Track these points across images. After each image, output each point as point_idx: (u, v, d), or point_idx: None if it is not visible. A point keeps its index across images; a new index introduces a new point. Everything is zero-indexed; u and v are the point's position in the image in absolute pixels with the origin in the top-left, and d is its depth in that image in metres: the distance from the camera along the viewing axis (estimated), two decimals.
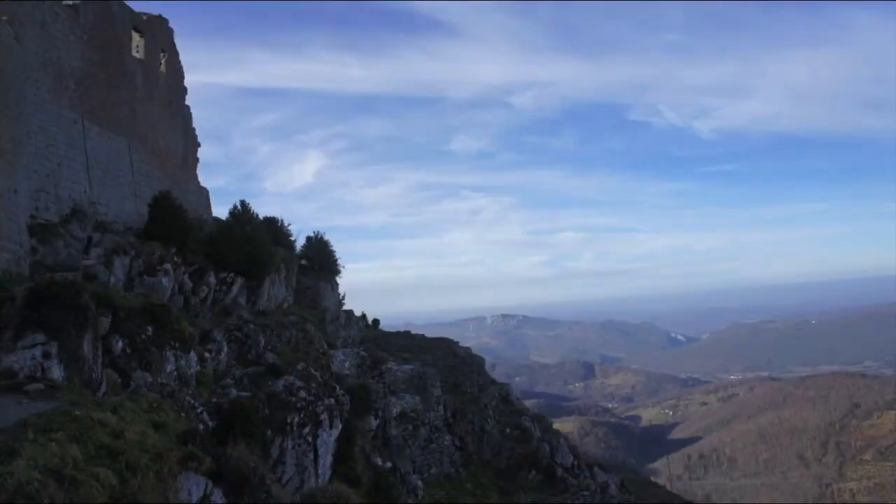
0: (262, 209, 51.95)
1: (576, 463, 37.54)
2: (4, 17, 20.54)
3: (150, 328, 18.08)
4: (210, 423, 13.80)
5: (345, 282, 49.46)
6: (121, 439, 8.26)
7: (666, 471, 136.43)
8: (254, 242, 32.53)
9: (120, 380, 15.91)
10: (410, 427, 32.65)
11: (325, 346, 31.15)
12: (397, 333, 49.09)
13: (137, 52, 32.78)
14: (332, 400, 18.61)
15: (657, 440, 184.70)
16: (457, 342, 45.50)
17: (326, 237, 46.99)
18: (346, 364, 32.27)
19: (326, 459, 17.44)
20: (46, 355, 12.65)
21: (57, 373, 12.59)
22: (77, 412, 8.89)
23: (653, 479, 70.45)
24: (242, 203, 39.55)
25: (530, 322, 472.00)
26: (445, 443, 34.19)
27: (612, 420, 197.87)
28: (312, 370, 20.03)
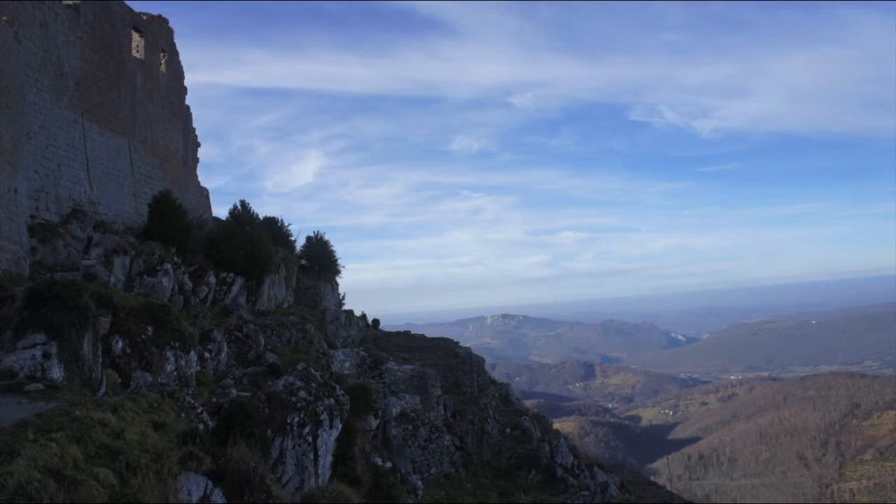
0: (262, 209, 52.08)
1: (576, 463, 37.54)
2: (4, 18, 20.54)
3: (150, 328, 18.08)
4: (210, 423, 13.79)
5: (345, 282, 49.49)
6: (121, 439, 8.26)
7: (666, 471, 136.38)
8: (254, 242, 32.53)
9: (120, 380, 15.91)
10: (410, 427, 32.65)
11: (325, 346, 31.15)
12: (397, 333, 49.09)
13: (137, 52, 32.77)
14: (332, 400, 18.60)
15: (657, 440, 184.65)
16: (457, 342, 45.49)
17: (326, 237, 47.01)
18: (346, 364, 32.26)
19: (326, 459, 17.43)
20: (46, 355, 12.64)
21: (57, 373, 12.59)
22: (77, 412, 8.89)
23: (653, 479, 70.37)
24: (242, 203, 39.64)
25: (530, 322, 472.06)
26: (445, 443, 34.19)
27: (612, 420, 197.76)
28: (312, 370, 20.01)
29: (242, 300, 31.46)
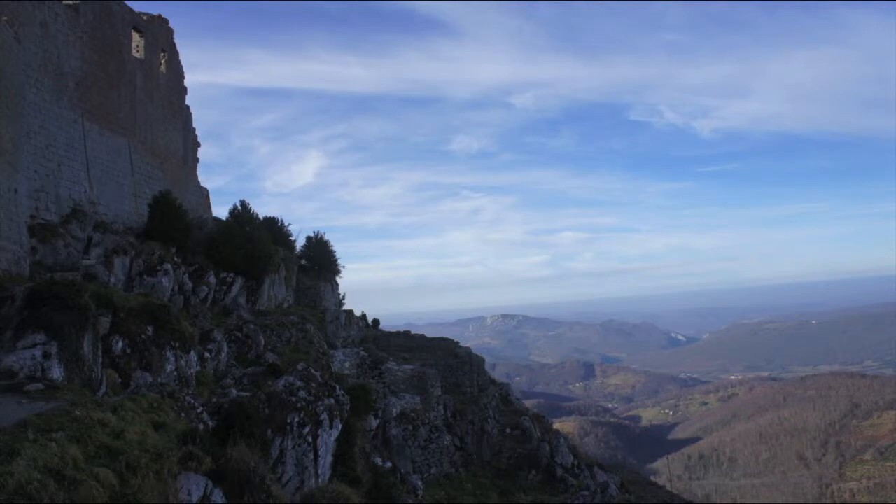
0: (262, 209, 52.12)
1: (576, 463, 37.53)
2: (4, 18, 20.53)
3: (150, 328, 18.08)
4: (210, 423, 13.79)
5: (345, 282, 49.47)
6: (121, 439, 8.26)
7: (666, 471, 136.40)
8: (254, 242, 32.53)
9: (120, 380, 15.91)
10: (410, 427, 32.65)
11: (325, 346, 31.15)
12: (397, 333, 49.08)
13: (137, 52, 32.78)
14: (332, 400, 18.59)
15: (657, 440, 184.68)
16: (457, 342, 45.48)
17: (326, 237, 47.01)
18: (346, 364, 32.26)
19: (326, 459, 17.43)
20: (46, 355, 12.64)
21: (57, 373, 12.59)
22: (77, 412, 8.89)
23: (653, 479, 70.39)
24: (242, 203, 39.66)
25: (530, 322, 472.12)
26: (445, 443, 34.18)
27: (612, 420, 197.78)
28: (312, 370, 20.00)
29: (242, 300, 31.46)
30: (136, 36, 32.61)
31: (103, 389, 14.08)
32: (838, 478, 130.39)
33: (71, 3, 27.03)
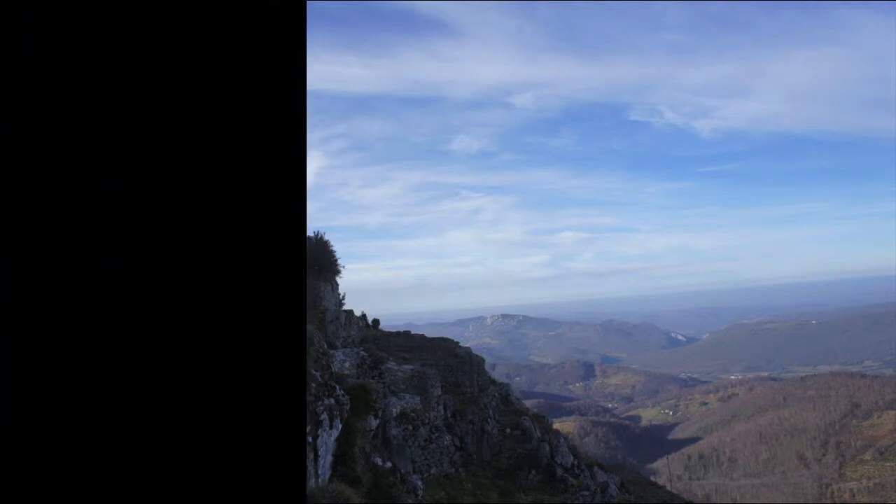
0: None
1: (576, 463, 37.54)
2: None
3: None
4: None
5: (345, 282, 49.24)
6: None
7: (666, 471, 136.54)
8: None
9: None
10: (410, 427, 32.67)
11: (325, 346, 31.12)
12: (397, 333, 49.05)
13: None
14: (332, 400, 18.58)
15: (657, 440, 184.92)
16: (457, 342, 45.44)
17: (326, 237, 46.95)
18: (346, 364, 32.27)
19: (326, 459, 17.42)
20: None
21: None
22: None
23: (653, 479, 70.42)
24: None
25: (530, 322, 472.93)
26: (445, 443, 34.20)
27: (612, 420, 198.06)
28: (312, 370, 20.00)
29: None
30: None
31: None
32: (838, 478, 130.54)
33: None
